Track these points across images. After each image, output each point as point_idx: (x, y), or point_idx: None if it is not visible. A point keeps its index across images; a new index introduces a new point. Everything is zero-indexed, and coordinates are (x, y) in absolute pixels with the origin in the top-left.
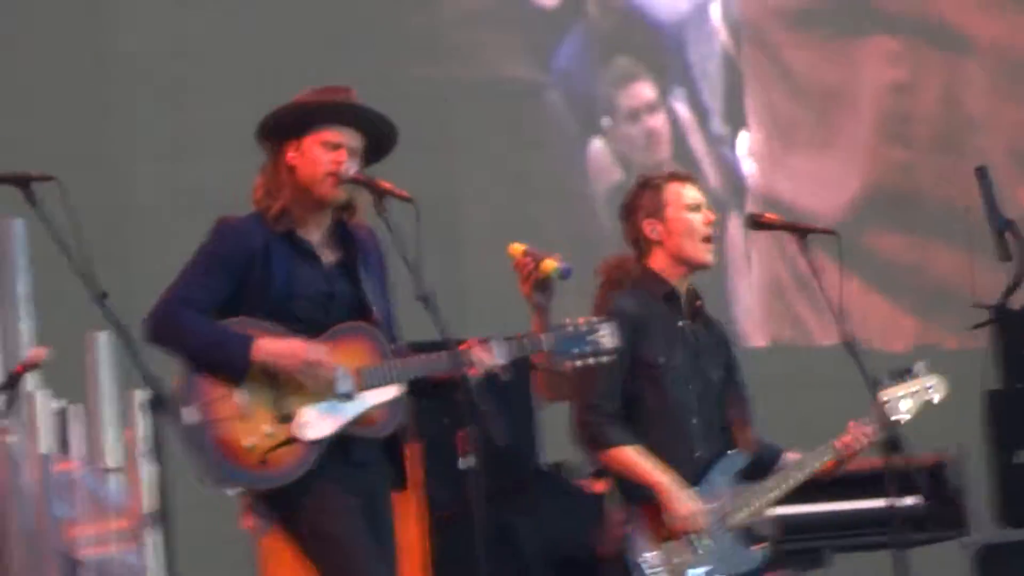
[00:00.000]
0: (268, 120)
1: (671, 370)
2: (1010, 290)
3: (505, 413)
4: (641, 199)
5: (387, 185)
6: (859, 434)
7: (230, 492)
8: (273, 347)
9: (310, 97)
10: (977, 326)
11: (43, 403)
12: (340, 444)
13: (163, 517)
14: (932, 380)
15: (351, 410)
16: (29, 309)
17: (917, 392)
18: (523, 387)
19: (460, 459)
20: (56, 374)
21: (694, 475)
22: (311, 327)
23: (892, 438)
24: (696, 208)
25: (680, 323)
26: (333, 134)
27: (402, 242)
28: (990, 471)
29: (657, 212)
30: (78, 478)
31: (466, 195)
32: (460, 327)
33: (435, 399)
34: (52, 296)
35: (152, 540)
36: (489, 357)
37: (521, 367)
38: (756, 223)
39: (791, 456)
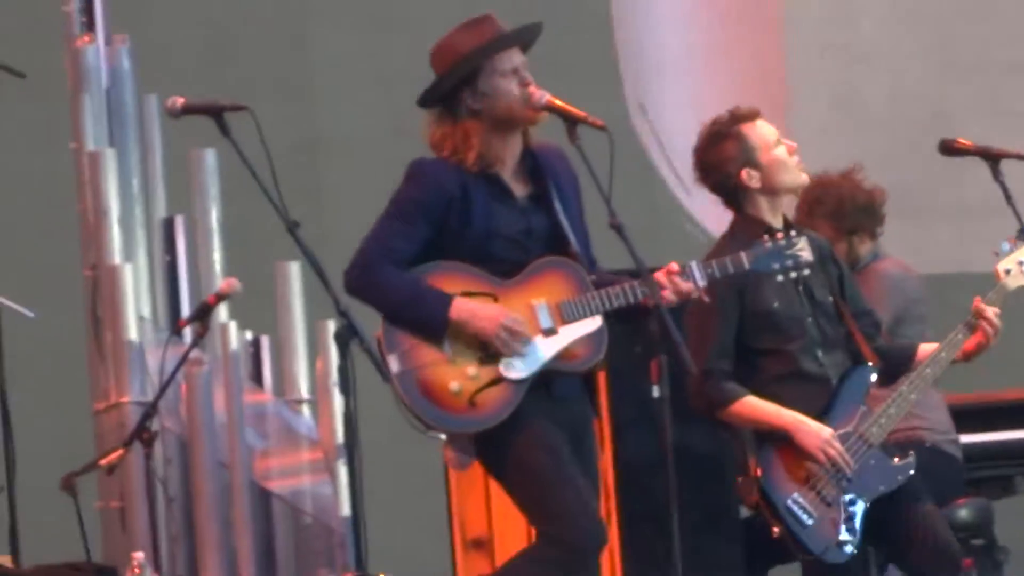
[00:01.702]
0: (437, 86)
1: (785, 312)
2: None
3: None
4: (726, 151)
5: (581, 113)
6: (983, 310)
7: (442, 436)
8: (471, 308)
9: (468, 40)
10: None
11: (235, 334)
12: (542, 380)
13: (352, 448)
14: None
15: (554, 346)
16: (221, 239)
17: None
18: None
19: (653, 387)
20: (248, 305)
21: (826, 402)
22: (511, 265)
23: None
24: (778, 142)
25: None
26: (506, 60)
27: (595, 171)
28: None
29: (750, 159)
30: (269, 409)
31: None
32: (652, 255)
33: (627, 327)
34: (244, 227)
35: (342, 471)
36: (688, 284)
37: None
38: (949, 148)
39: (925, 349)
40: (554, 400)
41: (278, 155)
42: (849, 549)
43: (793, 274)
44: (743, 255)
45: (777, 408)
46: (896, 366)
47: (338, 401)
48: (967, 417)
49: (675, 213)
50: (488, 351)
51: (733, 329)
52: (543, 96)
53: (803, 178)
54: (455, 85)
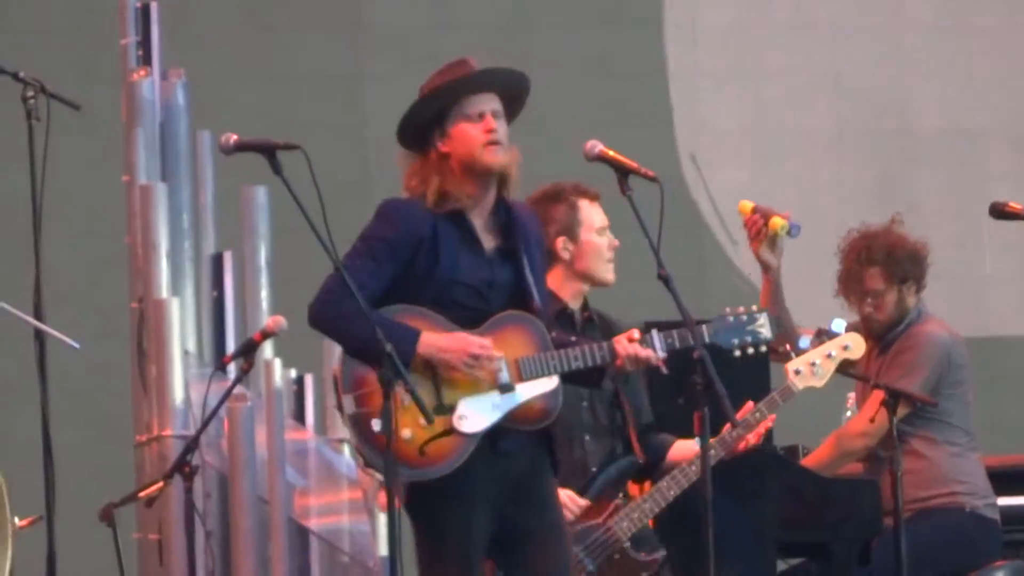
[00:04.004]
0: (405, 123)
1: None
2: None
3: (737, 395)
4: (554, 212)
5: (633, 164)
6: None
7: (379, 476)
8: (438, 341)
9: (434, 83)
10: None
11: (279, 371)
12: (489, 435)
13: (391, 489)
14: (850, 338)
15: (509, 402)
16: (269, 277)
17: (834, 354)
18: (758, 372)
19: (697, 439)
20: (293, 343)
21: (582, 487)
22: (471, 314)
23: None
24: (604, 231)
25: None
26: (473, 104)
27: (644, 221)
28: None
29: (572, 232)
30: (310, 447)
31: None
32: (699, 307)
33: (668, 379)
34: (292, 265)
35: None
36: (646, 352)
37: (761, 359)
38: (1000, 212)
39: (680, 446)
40: (497, 455)
41: (329, 195)
42: None
43: (751, 351)
44: (704, 327)
45: None
46: (648, 463)
47: None
48: (1004, 479)
49: (722, 265)
50: (443, 402)
51: None
52: (595, 147)
53: (611, 277)
54: (425, 123)
